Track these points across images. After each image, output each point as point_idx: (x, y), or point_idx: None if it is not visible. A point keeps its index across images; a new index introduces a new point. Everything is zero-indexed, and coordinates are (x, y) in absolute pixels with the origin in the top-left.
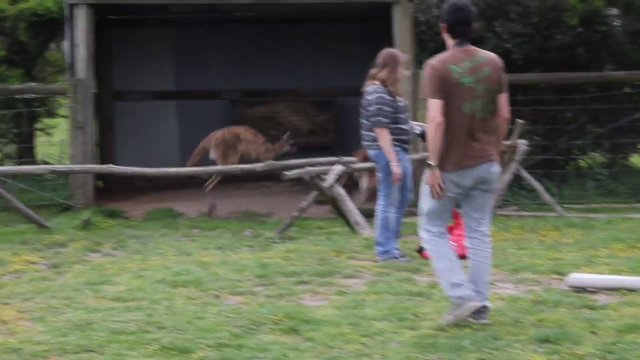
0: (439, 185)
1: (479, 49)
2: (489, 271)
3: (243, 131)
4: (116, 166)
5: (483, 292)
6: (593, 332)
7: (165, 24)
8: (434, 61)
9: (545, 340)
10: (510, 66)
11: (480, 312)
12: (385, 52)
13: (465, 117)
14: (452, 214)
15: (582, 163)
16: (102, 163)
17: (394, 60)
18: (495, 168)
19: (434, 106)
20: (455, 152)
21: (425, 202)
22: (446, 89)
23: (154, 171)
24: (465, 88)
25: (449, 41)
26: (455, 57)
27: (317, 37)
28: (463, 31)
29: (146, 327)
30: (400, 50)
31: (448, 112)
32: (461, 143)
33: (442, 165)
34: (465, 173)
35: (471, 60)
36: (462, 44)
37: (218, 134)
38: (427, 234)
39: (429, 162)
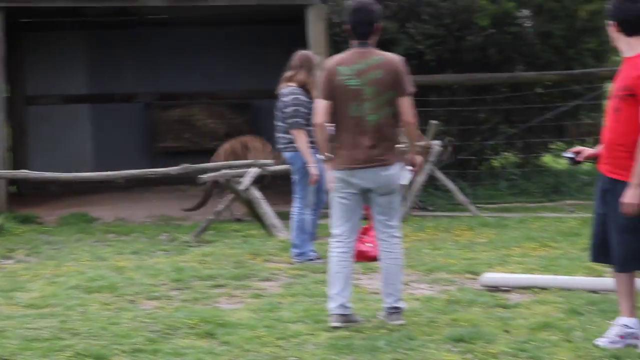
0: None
1: (379, 51)
2: (401, 272)
3: (251, 140)
4: (31, 171)
5: (395, 294)
6: (506, 331)
7: (78, 27)
8: (328, 62)
9: (459, 340)
10: (424, 67)
11: (394, 313)
12: (300, 54)
13: (352, 120)
14: (367, 216)
15: (495, 163)
16: (15, 168)
17: (309, 62)
18: (391, 171)
19: (317, 107)
20: (344, 153)
21: (331, 203)
22: (332, 90)
23: (69, 176)
24: (351, 90)
25: (351, 42)
26: (348, 59)
27: (232, 39)
28: (363, 32)
29: (60, 334)
30: (315, 52)
31: (337, 113)
32: (349, 144)
33: (333, 164)
34: (354, 174)
35: (364, 63)
36: (362, 45)
37: (226, 146)
38: (330, 237)
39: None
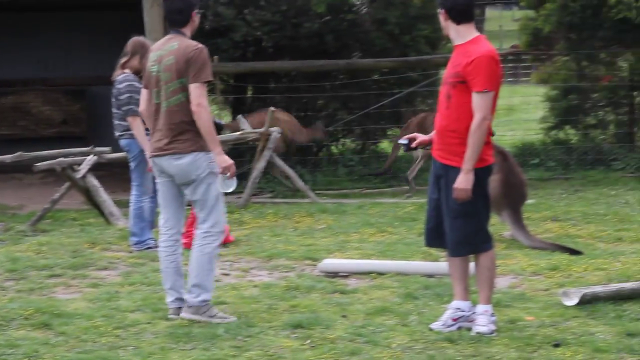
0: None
1: (181, 37)
2: (202, 265)
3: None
4: None
5: (193, 289)
6: (344, 316)
7: None
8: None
9: (297, 326)
10: (262, 54)
11: (180, 307)
12: (133, 40)
13: (154, 106)
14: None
15: (334, 149)
16: None
17: (142, 47)
18: (184, 160)
19: (141, 94)
20: (151, 140)
21: None
22: (145, 77)
23: None
24: (153, 76)
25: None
26: (157, 46)
27: (68, 25)
28: (174, 20)
29: None
30: (151, 37)
31: (149, 100)
32: (152, 131)
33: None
34: (155, 161)
35: (164, 49)
36: (173, 32)
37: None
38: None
39: None
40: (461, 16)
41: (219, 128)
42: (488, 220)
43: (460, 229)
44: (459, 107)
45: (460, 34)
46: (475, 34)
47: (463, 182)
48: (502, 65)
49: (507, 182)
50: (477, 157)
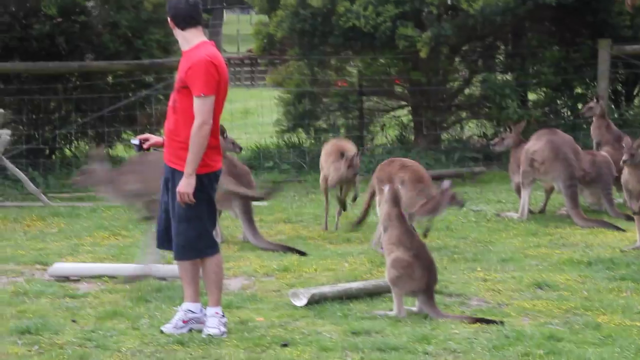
0: None
1: None
2: None
3: None
4: None
5: None
6: (74, 321)
7: None
8: None
9: (25, 332)
10: None
11: None
12: None
13: None
14: None
15: (68, 152)
16: None
17: None
18: None
19: None
20: None
21: None
22: None
23: None
24: None
25: None
26: None
27: None
28: None
29: None
30: None
31: None
32: None
33: None
34: None
35: None
36: None
37: None
38: None
39: None
40: (185, 22)
41: None
42: (214, 226)
43: (184, 233)
44: (184, 111)
45: (186, 40)
46: (200, 39)
47: (184, 185)
48: (227, 70)
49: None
50: (198, 161)
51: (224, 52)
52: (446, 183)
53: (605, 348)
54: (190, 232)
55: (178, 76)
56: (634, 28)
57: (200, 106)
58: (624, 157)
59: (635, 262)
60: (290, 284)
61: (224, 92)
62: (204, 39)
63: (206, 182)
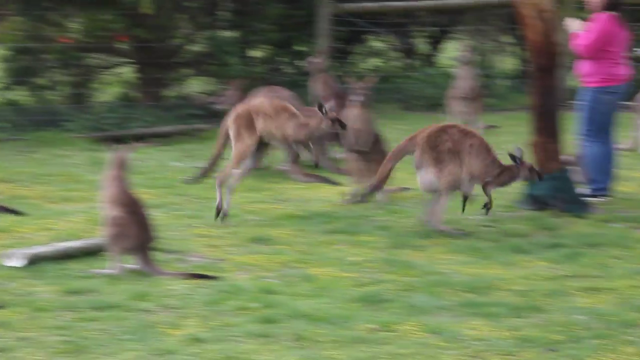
0: None
1: None
2: None
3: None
4: None
5: None
6: None
7: None
8: None
9: None
10: None
11: None
12: None
13: None
14: None
15: None
16: None
17: None
18: None
19: None
20: None
21: None
22: None
23: None
24: None
25: None
26: None
27: None
28: None
29: None
30: None
31: None
32: None
33: None
34: None
35: None
36: None
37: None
38: None
39: None
40: None
41: None
42: None
43: None
44: None
45: None
46: None
47: None
48: None
49: None
50: None
51: None
52: (518, 151)
53: (318, 299)
54: None
55: None
56: None
57: None
58: None
59: (348, 216)
60: (7, 245)
61: None
62: None
63: None
